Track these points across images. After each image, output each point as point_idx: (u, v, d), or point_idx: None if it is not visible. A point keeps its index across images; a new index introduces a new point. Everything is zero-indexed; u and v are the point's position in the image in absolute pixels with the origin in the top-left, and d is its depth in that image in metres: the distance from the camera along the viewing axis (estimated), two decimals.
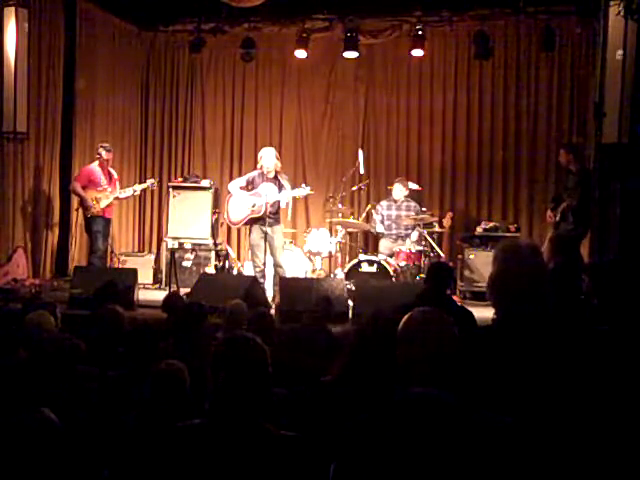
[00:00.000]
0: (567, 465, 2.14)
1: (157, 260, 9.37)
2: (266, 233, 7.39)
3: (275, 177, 7.60)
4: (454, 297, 6.24)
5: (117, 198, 8.17)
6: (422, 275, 7.63)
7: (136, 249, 10.06)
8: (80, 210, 8.02)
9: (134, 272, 7.13)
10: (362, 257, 7.91)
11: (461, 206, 9.24)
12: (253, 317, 4.60)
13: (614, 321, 2.53)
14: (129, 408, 3.09)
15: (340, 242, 8.43)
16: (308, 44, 9.01)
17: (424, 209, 8.64)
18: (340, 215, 8.51)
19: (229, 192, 7.80)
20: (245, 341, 2.15)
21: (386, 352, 2.18)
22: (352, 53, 8.90)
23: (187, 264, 8.88)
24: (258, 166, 7.73)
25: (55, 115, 8.61)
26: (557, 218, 7.02)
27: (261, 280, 7.32)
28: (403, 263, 7.83)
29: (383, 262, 7.71)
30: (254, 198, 7.54)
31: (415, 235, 8.12)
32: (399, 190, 8.44)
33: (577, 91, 8.76)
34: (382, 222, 8.47)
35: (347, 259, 8.37)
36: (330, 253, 8.50)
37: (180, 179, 9.61)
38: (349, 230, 8.61)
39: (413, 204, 8.48)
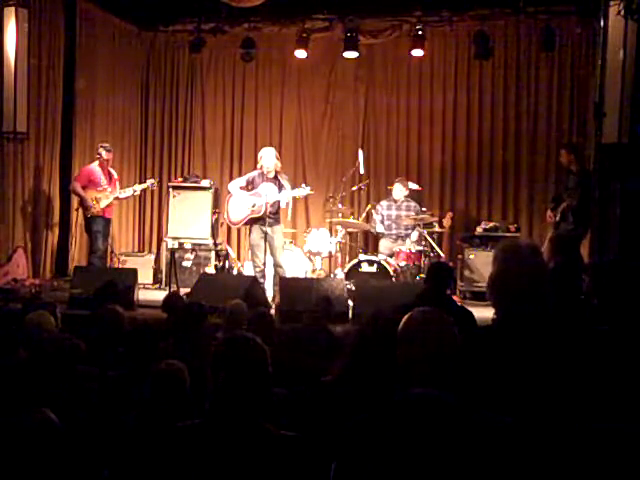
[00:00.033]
0: (567, 465, 2.14)
1: (157, 260, 9.37)
2: (266, 233, 7.39)
3: (275, 177, 7.60)
4: (454, 297, 6.24)
5: (117, 198, 8.17)
6: (422, 275, 7.63)
7: (136, 249, 10.06)
8: (80, 210, 8.02)
9: (134, 272, 7.13)
10: (362, 257, 7.91)
11: (461, 206, 9.24)
12: (253, 317, 4.60)
13: (614, 321, 2.53)
14: (129, 408, 3.10)
15: (340, 242, 8.43)
16: (308, 44, 9.01)
17: (424, 209, 8.64)
18: (340, 215, 8.51)
19: (229, 192, 7.80)
20: (245, 341, 2.15)
21: (386, 352, 2.18)
22: (352, 53, 8.90)
23: (187, 264, 8.88)
24: (258, 166, 7.73)
25: (55, 115, 8.61)
26: (557, 218, 7.02)
27: (261, 280, 7.32)
28: (403, 263, 7.83)
29: (383, 262, 7.71)
30: (254, 198, 7.54)
31: (415, 235, 8.12)
32: (399, 190, 8.44)
33: (577, 91, 8.76)
34: (382, 222, 8.47)
35: (347, 259, 8.37)
36: (330, 253, 8.50)
37: (180, 179, 9.61)
38: (349, 230, 8.61)
39: (413, 204, 8.48)
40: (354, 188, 8.90)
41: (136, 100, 10.16)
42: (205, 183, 9.36)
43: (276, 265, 7.56)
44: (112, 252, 8.80)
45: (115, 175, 8.27)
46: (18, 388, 2.64)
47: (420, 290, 4.73)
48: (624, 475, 2.21)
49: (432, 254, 8.11)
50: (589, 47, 8.35)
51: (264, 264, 7.48)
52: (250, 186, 7.66)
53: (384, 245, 8.39)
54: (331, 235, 8.41)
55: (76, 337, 3.35)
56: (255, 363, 2.10)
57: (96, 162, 8.08)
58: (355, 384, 2.65)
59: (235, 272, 8.73)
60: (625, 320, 2.51)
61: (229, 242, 9.67)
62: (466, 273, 8.45)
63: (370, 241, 9.34)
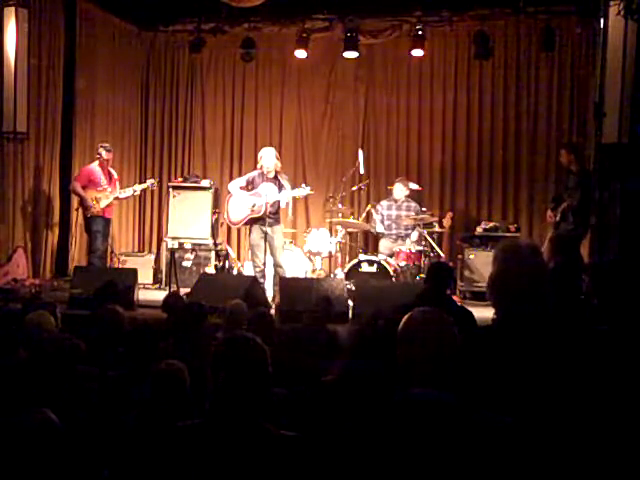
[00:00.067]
0: (567, 465, 2.14)
1: (157, 260, 9.37)
2: (266, 233, 7.39)
3: (275, 177, 7.60)
4: (454, 297, 6.24)
5: (117, 198, 8.17)
6: (422, 275, 7.63)
7: (136, 249, 10.06)
8: (80, 210, 8.03)
9: (134, 272, 7.12)
10: (362, 257, 7.91)
11: (461, 206, 9.24)
12: (253, 317, 4.60)
13: (614, 321, 2.52)
14: (129, 408, 3.10)
15: (340, 242, 8.43)
16: (308, 44, 9.01)
17: (424, 209, 8.64)
18: (340, 215, 8.51)
19: (229, 192, 7.80)
20: (245, 341, 2.15)
21: (386, 352, 2.18)
22: (352, 53, 8.90)
23: (187, 264, 8.88)
24: (258, 166, 7.73)
25: (55, 115, 8.61)
26: (557, 218, 7.02)
27: (261, 280, 7.32)
28: (403, 263, 7.83)
29: (383, 262, 7.71)
30: (254, 198, 7.54)
31: (415, 235, 8.12)
32: (400, 190, 8.44)
33: (577, 91, 8.76)
34: (382, 222, 8.47)
35: (347, 259, 8.37)
36: (330, 253, 8.50)
37: (180, 179, 9.61)
38: (349, 230, 8.61)
39: (413, 204, 8.48)
40: (354, 188, 8.90)
41: (136, 100, 10.16)
42: (205, 183, 9.36)
43: (276, 265, 7.56)
44: (112, 252, 8.80)
45: (115, 175, 8.27)
46: (18, 388, 2.64)
47: (420, 290, 4.73)
48: (624, 475, 2.21)
49: (432, 254, 8.11)
50: (589, 47, 8.35)
51: (264, 264, 7.48)
52: (250, 186, 7.66)
53: (384, 245, 8.39)
54: (331, 235, 8.41)
55: (76, 337, 3.35)
56: (255, 363, 2.10)
57: (96, 162, 8.09)
58: (355, 384, 2.65)
59: (235, 272, 8.73)
60: (625, 320, 2.50)
61: (229, 242, 9.67)
62: (466, 273, 8.45)
63: (370, 241, 9.34)
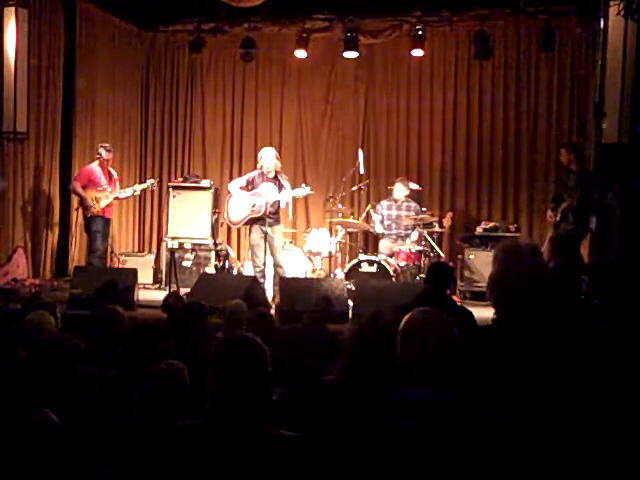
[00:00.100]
0: (567, 465, 2.14)
1: (157, 260, 9.37)
2: (266, 233, 7.39)
3: (275, 177, 7.60)
4: (454, 297, 6.24)
5: (117, 198, 8.17)
6: (422, 275, 7.63)
7: (136, 249, 10.06)
8: (80, 210, 8.03)
9: (134, 272, 7.12)
10: (362, 257, 7.91)
11: (461, 206, 9.24)
12: (253, 317, 4.60)
13: (614, 321, 2.53)
14: (129, 408, 3.10)
15: (340, 242, 8.43)
16: (308, 44, 9.01)
17: (424, 209, 8.65)
18: (340, 215, 8.51)
19: (229, 192, 7.80)
20: (245, 341, 2.15)
21: (386, 352, 2.18)
22: (352, 53, 8.90)
23: (187, 264, 8.88)
24: (258, 166, 7.73)
25: (55, 115, 8.61)
26: (557, 218, 7.02)
27: (261, 280, 7.32)
28: (403, 263, 7.83)
29: (383, 262, 7.71)
30: (254, 198, 7.54)
31: (415, 235, 8.12)
32: (400, 190, 8.44)
33: (577, 91, 8.76)
34: (382, 222, 8.47)
35: (347, 259, 8.37)
36: (330, 253, 8.50)
37: (180, 179, 9.61)
38: (349, 230, 8.61)
39: (413, 204, 8.48)
40: (354, 188, 8.90)
41: (136, 100, 10.16)
42: (205, 183, 9.36)
43: (276, 265, 7.56)
44: (112, 252, 8.80)
45: (115, 175, 8.27)
46: (18, 388, 2.64)
47: (420, 290, 4.73)
48: (624, 475, 2.21)
49: (432, 254, 8.11)
50: (589, 47, 8.35)
51: (264, 264, 7.48)
52: (250, 186, 7.66)
53: (384, 245, 8.39)
54: (331, 235, 8.41)
55: (76, 337, 3.35)
56: (255, 363, 2.10)
57: (96, 162, 8.09)
58: (355, 384, 2.65)
59: (235, 272, 8.73)
60: (625, 320, 2.50)
61: (229, 242, 9.67)
62: (466, 273, 8.45)
63: (370, 241, 9.34)
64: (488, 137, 9.22)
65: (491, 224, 8.78)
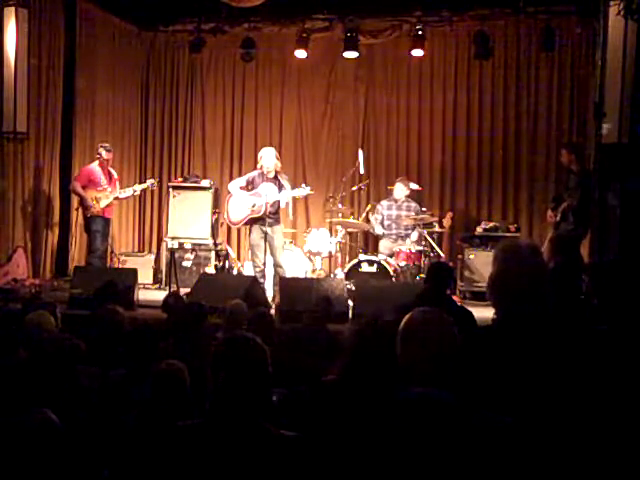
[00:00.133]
0: (567, 465, 2.14)
1: (157, 260, 9.37)
2: (266, 233, 7.40)
3: (275, 177, 7.60)
4: (454, 297, 6.24)
5: (117, 198, 8.17)
6: (422, 275, 7.63)
7: (136, 249, 10.06)
8: (80, 210, 8.03)
9: (134, 272, 7.12)
10: (362, 257, 7.91)
11: (461, 206, 9.24)
12: (253, 317, 4.60)
13: (614, 321, 2.53)
14: (129, 408, 3.10)
15: (340, 242, 8.43)
16: (308, 44, 9.01)
17: (424, 209, 8.65)
18: (340, 215, 8.51)
19: (229, 192, 7.80)
20: (245, 341, 2.15)
21: (386, 352, 2.18)
22: (352, 53, 8.90)
23: (187, 264, 8.88)
24: (258, 166, 7.73)
25: (55, 115, 8.60)
26: (557, 218, 7.02)
27: (261, 280, 7.32)
28: (403, 263, 7.83)
29: (383, 262, 7.71)
30: (254, 198, 7.54)
31: (415, 235, 8.12)
32: (400, 189, 8.44)
33: (577, 91, 8.76)
34: (382, 222, 8.47)
35: (347, 259, 8.37)
36: (330, 253, 8.50)
37: (180, 179, 9.61)
38: (349, 230, 8.61)
39: (413, 204, 8.48)
40: (354, 188, 8.90)
41: (136, 100, 10.16)
42: (205, 183, 9.36)
43: (276, 265, 7.56)
44: (112, 252, 8.79)
45: (115, 175, 8.27)
46: (18, 388, 2.64)
47: (420, 290, 4.73)
48: (624, 475, 2.21)
49: (432, 254, 8.11)
50: (589, 47, 8.34)
51: (264, 264, 7.48)
52: (250, 186, 7.66)
53: (384, 245, 8.39)
54: (331, 235, 8.41)
55: (76, 337, 3.35)
56: (255, 363, 2.10)
57: (96, 162, 8.09)
58: (355, 384, 2.65)
59: (235, 272, 8.73)
60: (625, 320, 2.50)
61: (229, 242, 9.67)
62: (466, 273, 8.45)
63: (370, 241, 9.34)
64: (488, 137, 9.22)
65: (491, 224, 8.78)
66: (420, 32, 8.62)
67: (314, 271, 8.42)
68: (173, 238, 8.89)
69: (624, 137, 6.12)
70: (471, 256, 8.44)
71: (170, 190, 9.27)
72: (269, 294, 7.37)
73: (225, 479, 2.04)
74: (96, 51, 9.19)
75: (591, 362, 2.33)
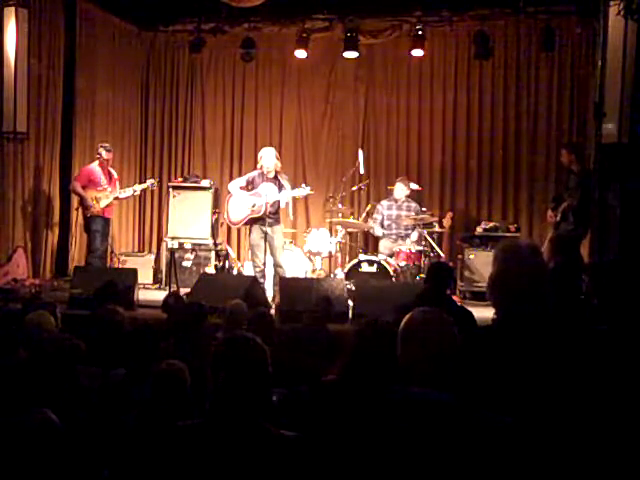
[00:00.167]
0: (567, 465, 2.14)
1: (157, 260, 9.37)
2: (266, 233, 7.40)
3: (275, 177, 7.60)
4: (454, 297, 6.24)
5: (117, 198, 8.17)
6: (422, 275, 7.63)
7: (136, 249, 10.06)
8: (80, 210, 8.03)
9: (134, 272, 7.12)
10: (362, 257, 7.91)
11: (461, 206, 9.24)
12: (253, 317, 4.60)
13: (614, 321, 2.53)
14: (129, 408, 3.10)
15: (340, 242, 8.43)
16: (308, 44, 9.01)
17: (424, 209, 8.65)
18: (340, 215, 8.51)
19: (229, 192, 7.80)
20: (245, 341, 2.15)
21: (386, 352, 2.18)
22: (352, 53, 8.90)
23: (187, 264, 8.88)
24: (258, 166, 7.73)
25: (55, 115, 8.60)
26: (557, 218, 7.02)
27: (261, 280, 7.32)
28: (403, 263, 7.83)
29: (383, 262, 7.71)
30: (254, 198, 7.54)
31: (415, 235, 8.12)
32: (400, 189, 8.44)
33: (577, 91, 8.76)
34: (382, 222, 8.47)
35: (347, 259, 8.37)
36: (330, 253, 8.50)
37: (180, 179, 9.61)
38: (349, 230, 8.61)
39: (413, 204, 8.48)
40: (354, 188, 8.90)
41: (136, 100, 10.16)
42: (205, 183, 9.36)
43: (276, 265, 7.56)
44: (112, 252, 8.79)
45: (115, 175, 8.28)
46: (18, 388, 2.64)
47: (420, 290, 4.73)
48: (624, 475, 2.21)
49: (432, 254, 8.11)
50: (589, 47, 8.35)
51: (264, 264, 7.48)
52: (250, 186, 7.66)
53: (384, 245, 8.39)
54: (331, 235, 8.41)
55: (76, 337, 3.35)
56: (255, 363, 2.10)
57: (96, 162, 8.09)
58: (355, 384, 2.65)
59: (235, 272, 8.73)
60: (625, 320, 2.51)
61: (229, 242, 9.67)
62: (466, 273, 8.45)
63: (370, 241, 9.33)
64: (488, 137, 9.22)
65: (491, 224, 8.78)
66: (420, 32, 8.62)
67: (314, 271, 8.42)
68: (173, 238, 8.89)
69: (624, 137, 6.12)
70: (471, 256, 8.44)
71: (170, 190, 9.27)
72: (269, 294, 7.37)
73: (225, 479, 2.04)
74: (96, 51, 9.19)
75: (591, 362, 2.33)
